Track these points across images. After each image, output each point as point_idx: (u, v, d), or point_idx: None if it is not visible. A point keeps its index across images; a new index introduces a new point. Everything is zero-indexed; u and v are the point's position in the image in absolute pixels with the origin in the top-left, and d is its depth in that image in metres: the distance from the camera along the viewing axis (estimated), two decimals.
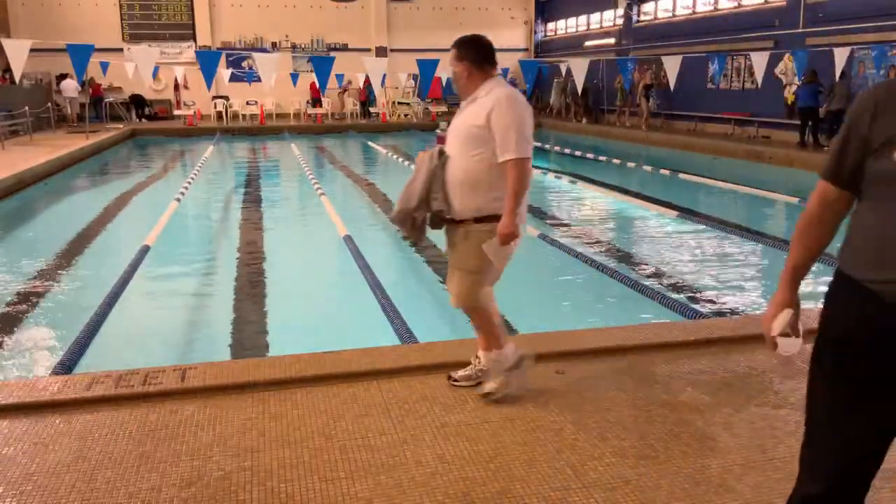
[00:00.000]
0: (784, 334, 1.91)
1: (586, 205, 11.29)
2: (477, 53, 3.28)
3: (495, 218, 3.19)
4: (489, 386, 3.39)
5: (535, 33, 29.89)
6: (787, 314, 1.90)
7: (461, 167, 3.22)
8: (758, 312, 5.72)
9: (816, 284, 6.60)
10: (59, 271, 7.10)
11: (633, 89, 20.99)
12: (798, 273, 1.93)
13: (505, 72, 27.21)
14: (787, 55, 16.12)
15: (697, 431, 3.14)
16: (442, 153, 3.32)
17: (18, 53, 13.11)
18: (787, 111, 16.75)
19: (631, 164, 14.90)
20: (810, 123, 15.04)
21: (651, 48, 21.80)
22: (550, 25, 29.82)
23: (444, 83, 26.69)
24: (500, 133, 3.13)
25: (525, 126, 3.17)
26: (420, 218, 3.35)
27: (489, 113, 3.14)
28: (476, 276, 3.30)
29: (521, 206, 3.22)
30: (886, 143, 1.69)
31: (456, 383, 3.56)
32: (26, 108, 18.03)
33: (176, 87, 24.69)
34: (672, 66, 16.13)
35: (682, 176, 13.04)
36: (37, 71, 22.93)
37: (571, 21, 28.03)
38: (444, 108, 26.29)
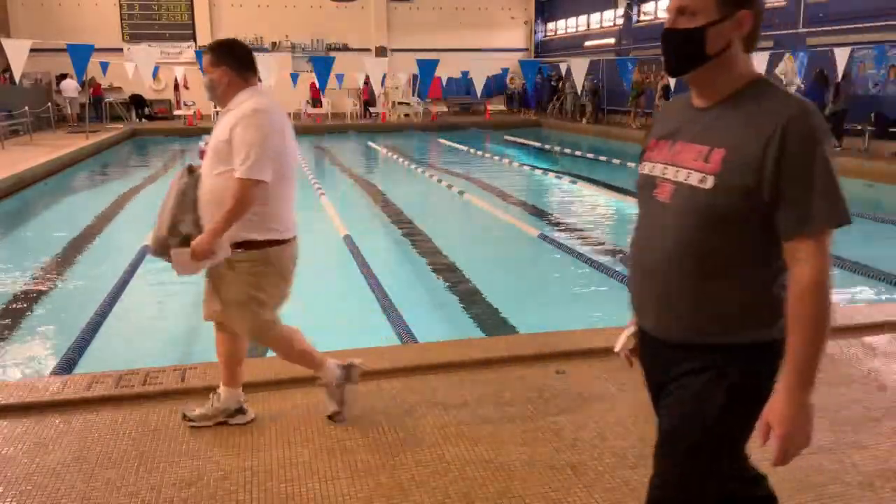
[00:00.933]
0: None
1: (586, 204, 11.29)
2: (236, 59, 2.99)
3: (255, 244, 2.93)
4: (333, 408, 3.16)
5: (535, 33, 29.88)
6: (626, 333, 1.94)
7: (207, 186, 2.94)
8: None
9: None
10: (60, 271, 7.10)
11: (637, 88, 20.78)
12: None
13: (505, 72, 27.25)
14: (787, 55, 16.11)
15: None
16: (192, 171, 3.04)
17: (18, 53, 13.14)
18: None
19: (631, 164, 14.89)
20: None
21: (651, 48, 21.77)
22: (550, 25, 29.81)
23: (444, 83, 26.82)
24: (238, 148, 2.83)
25: (267, 145, 2.85)
26: (177, 245, 2.97)
27: (233, 127, 2.86)
28: (253, 304, 2.98)
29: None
30: (641, 155, 1.79)
31: (192, 423, 3.16)
32: (26, 108, 18.02)
33: (176, 87, 24.67)
34: None
35: None
36: (37, 71, 22.92)
37: (571, 21, 28.02)
38: (444, 108, 26.31)
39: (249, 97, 2.94)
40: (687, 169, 1.59)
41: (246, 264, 2.94)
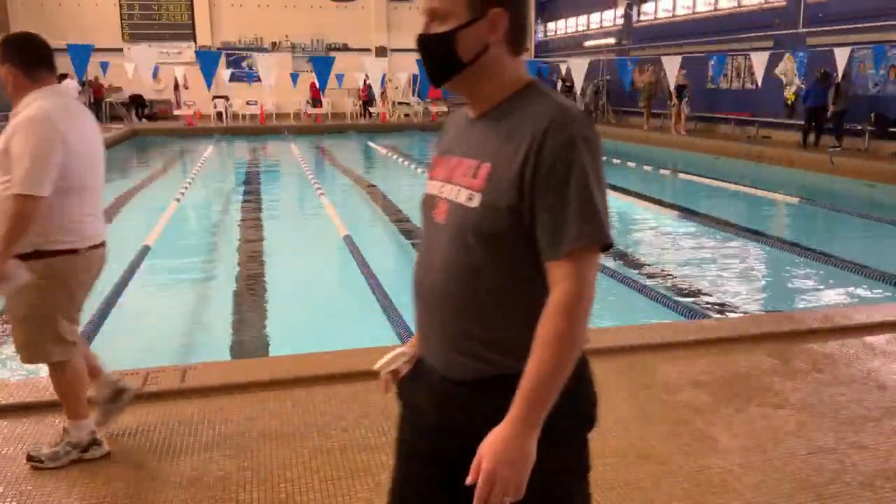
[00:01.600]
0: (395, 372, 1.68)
1: None
2: (24, 55, 2.70)
3: (41, 254, 2.67)
4: (47, 450, 2.84)
5: (535, 33, 29.87)
6: (398, 351, 1.68)
7: None
8: (758, 312, 5.72)
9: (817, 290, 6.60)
10: None
11: (649, 89, 20.58)
12: None
13: None
14: (787, 55, 16.11)
15: (697, 431, 3.14)
16: None
17: None
18: (787, 111, 16.75)
19: (631, 164, 14.90)
20: (813, 123, 15.00)
21: (651, 48, 21.80)
22: (550, 25, 29.81)
23: None
24: (15, 161, 2.58)
25: (45, 156, 2.58)
26: None
27: (10, 136, 2.61)
28: (31, 323, 2.73)
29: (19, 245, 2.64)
30: (429, 171, 1.61)
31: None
32: None
33: (176, 87, 24.69)
34: (672, 66, 16.13)
35: (682, 176, 13.05)
36: None
37: (571, 21, 28.02)
38: (444, 108, 26.32)
39: (34, 100, 2.68)
40: (458, 186, 1.44)
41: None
